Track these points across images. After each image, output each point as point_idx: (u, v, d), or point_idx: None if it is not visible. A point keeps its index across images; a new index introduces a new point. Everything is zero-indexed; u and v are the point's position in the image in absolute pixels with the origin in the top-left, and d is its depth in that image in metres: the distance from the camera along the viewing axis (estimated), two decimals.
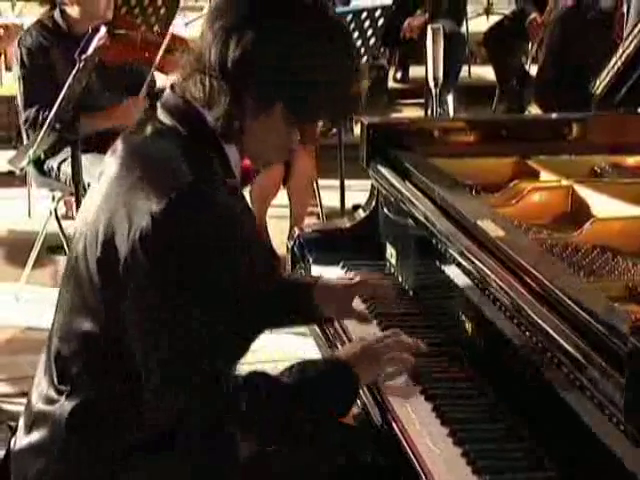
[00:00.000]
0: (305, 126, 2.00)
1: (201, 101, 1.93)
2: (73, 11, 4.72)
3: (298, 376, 1.98)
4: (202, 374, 1.87)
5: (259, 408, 1.92)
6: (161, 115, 1.98)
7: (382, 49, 7.51)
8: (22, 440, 2.04)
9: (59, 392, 1.99)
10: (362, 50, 4.72)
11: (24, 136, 4.76)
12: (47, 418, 2.00)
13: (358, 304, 2.57)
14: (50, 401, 2.00)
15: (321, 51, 1.93)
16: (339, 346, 2.41)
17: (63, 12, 4.75)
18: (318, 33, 1.95)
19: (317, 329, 2.60)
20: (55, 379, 2.01)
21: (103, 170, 2.03)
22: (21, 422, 2.07)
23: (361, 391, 2.18)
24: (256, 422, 1.95)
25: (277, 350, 3.67)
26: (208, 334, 1.86)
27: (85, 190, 4.25)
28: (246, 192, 5.30)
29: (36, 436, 2.01)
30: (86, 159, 4.28)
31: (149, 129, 1.98)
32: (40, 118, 4.46)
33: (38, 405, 2.03)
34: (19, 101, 4.75)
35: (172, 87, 1.99)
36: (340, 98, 1.99)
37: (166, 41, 4.51)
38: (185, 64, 1.97)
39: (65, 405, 1.97)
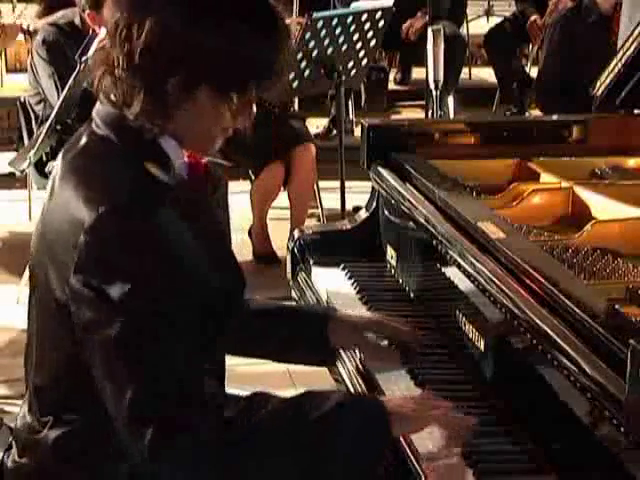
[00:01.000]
0: (233, 101, 1.86)
1: (119, 101, 1.84)
2: (96, 28, 4.72)
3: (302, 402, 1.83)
4: (171, 390, 1.75)
5: (243, 438, 1.77)
6: (94, 125, 1.90)
7: (382, 51, 7.51)
8: (15, 463, 2.00)
9: (42, 424, 1.94)
10: (363, 52, 4.73)
11: (25, 138, 4.76)
12: (35, 447, 1.95)
13: (359, 306, 2.57)
14: (35, 432, 1.95)
15: (226, 22, 1.80)
16: (342, 354, 2.36)
17: (83, 20, 4.73)
18: (226, 5, 1.82)
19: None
20: (36, 410, 1.95)
21: (48, 187, 1.96)
22: (14, 442, 2.02)
23: (361, 391, 2.18)
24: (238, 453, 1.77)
25: None
26: (166, 346, 1.76)
27: None
28: (246, 194, 5.31)
29: (28, 462, 1.97)
30: None
31: (82, 142, 1.90)
32: None
33: (24, 434, 1.98)
34: (52, 95, 4.66)
35: (97, 92, 1.89)
36: (257, 64, 1.84)
37: None
38: (95, 66, 1.87)
39: (48, 435, 1.91)
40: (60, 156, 1.97)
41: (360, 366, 2.30)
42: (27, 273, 4.67)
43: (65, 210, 1.83)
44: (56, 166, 1.96)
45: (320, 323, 2.22)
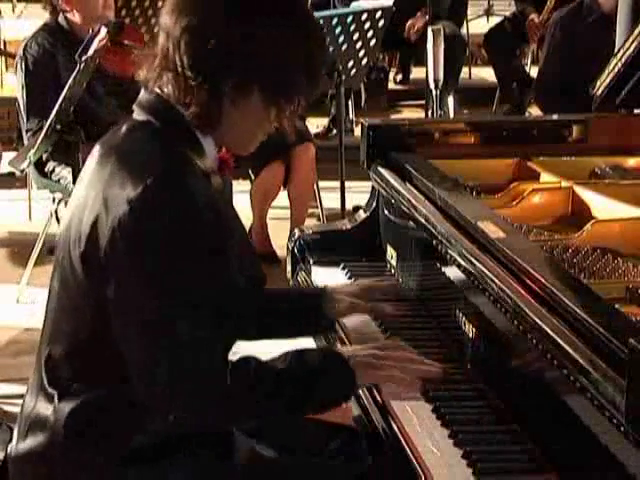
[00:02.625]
0: (281, 103, 1.98)
1: (176, 99, 1.95)
2: (74, 16, 4.74)
3: (294, 362, 1.97)
4: (205, 361, 1.87)
5: (251, 391, 1.92)
6: (135, 113, 2.00)
7: (382, 51, 7.51)
8: (19, 446, 2.02)
9: (49, 398, 1.98)
10: (363, 52, 4.73)
11: (25, 138, 4.76)
12: (43, 424, 1.98)
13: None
14: (44, 406, 1.98)
15: (287, 30, 1.94)
16: (339, 346, 2.41)
17: (66, 17, 4.77)
18: (281, 16, 1.96)
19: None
20: (45, 383, 1.99)
21: (83, 174, 2.04)
22: (16, 429, 2.05)
23: (361, 392, 2.18)
24: (247, 404, 1.94)
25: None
26: (200, 316, 1.86)
27: None
28: (246, 194, 5.31)
29: (33, 442, 1.99)
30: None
31: (124, 128, 2.00)
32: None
33: (32, 412, 2.01)
34: (22, 110, 4.75)
35: (145, 86, 2.00)
36: (306, 68, 1.98)
37: None
38: (151, 63, 1.98)
39: (62, 408, 1.96)
40: (97, 145, 2.05)
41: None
42: (27, 273, 4.69)
43: (106, 185, 1.90)
44: (92, 155, 2.04)
45: (316, 297, 2.35)
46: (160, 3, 5.62)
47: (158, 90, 1.97)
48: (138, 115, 1.99)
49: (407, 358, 2.08)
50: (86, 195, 1.96)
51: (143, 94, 2.00)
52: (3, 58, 7.55)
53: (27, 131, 4.67)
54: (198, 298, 1.87)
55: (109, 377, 1.94)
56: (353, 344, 2.32)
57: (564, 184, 2.71)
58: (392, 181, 2.77)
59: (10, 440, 2.07)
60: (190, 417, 1.94)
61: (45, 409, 1.98)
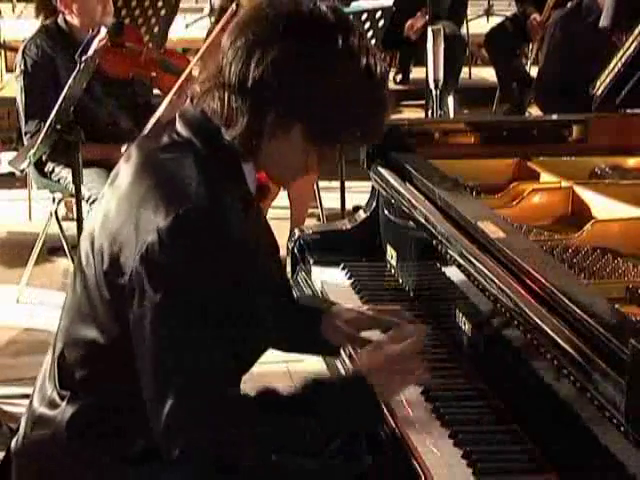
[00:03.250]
0: (324, 148, 1.95)
1: (219, 117, 1.91)
2: (73, 19, 4.74)
3: (313, 396, 1.91)
4: (213, 396, 1.82)
5: (272, 428, 1.87)
6: (179, 126, 1.95)
7: (382, 51, 7.51)
8: (23, 440, 2.04)
9: (61, 397, 1.99)
10: None
11: (24, 139, 4.76)
12: (48, 422, 1.99)
13: (359, 305, 2.57)
14: (52, 405, 1.99)
15: (344, 74, 1.88)
16: (342, 353, 2.38)
17: (66, 19, 4.77)
18: (342, 55, 1.88)
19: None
20: (57, 383, 2.00)
21: (117, 174, 2.00)
22: (22, 422, 2.06)
23: None
24: (266, 439, 1.88)
25: None
26: (214, 357, 1.82)
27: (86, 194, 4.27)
28: None
29: (37, 438, 2.01)
30: (87, 173, 4.27)
31: (165, 139, 1.96)
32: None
33: (40, 408, 2.02)
34: (21, 112, 4.75)
35: (192, 99, 1.96)
36: (362, 123, 1.93)
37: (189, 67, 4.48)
38: (205, 78, 1.94)
39: (66, 410, 1.97)
40: (134, 148, 2.01)
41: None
42: (27, 273, 4.69)
43: (139, 204, 1.86)
44: (130, 154, 2.00)
45: (315, 319, 2.28)
46: (160, 3, 5.62)
47: (204, 106, 1.92)
48: (181, 128, 1.94)
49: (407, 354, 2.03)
50: (118, 207, 1.92)
51: (189, 106, 1.96)
52: (3, 58, 7.54)
53: (26, 133, 4.67)
54: (214, 338, 1.82)
55: (119, 382, 1.93)
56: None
57: (564, 184, 2.71)
58: (392, 181, 2.77)
59: (14, 435, 2.08)
60: (200, 455, 1.86)
61: (52, 407, 1.99)
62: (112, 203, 1.94)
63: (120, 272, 1.86)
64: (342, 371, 2.36)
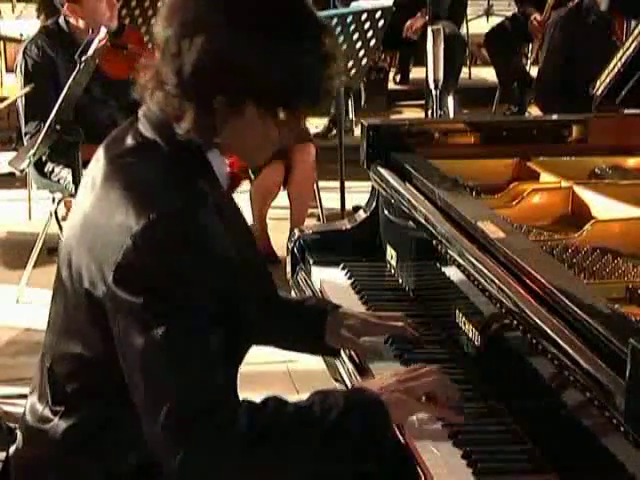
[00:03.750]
0: (281, 117, 1.88)
1: (170, 115, 1.87)
2: (76, 21, 4.74)
3: (319, 408, 1.85)
4: (209, 396, 1.77)
5: (269, 439, 1.80)
6: (142, 127, 1.93)
7: (382, 51, 7.51)
8: (22, 454, 2.02)
9: (54, 412, 1.96)
10: (362, 52, 4.73)
11: (24, 140, 4.77)
12: (42, 436, 1.96)
13: (359, 306, 2.57)
14: (45, 420, 1.97)
15: (279, 40, 1.83)
16: (342, 354, 2.36)
17: (67, 19, 4.76)
18: (272, 23, 1.83)
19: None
20: (50, 399, 1.97)
21: (88, 180, 1.97)
22: (19, 434, 2.04)
23: None
24: (265, 454, 1.81)
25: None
26: (205, 356, 1.78)
27: None
28: (246, 194, 5.31)
29: (34, 453, 1.99)
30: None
31: (129, 141, 1.93)
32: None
33: (34, 423, 1.99)
34: (21, 112, 4.75)
35: (146, 104, 1.93)
36: (310, 86, 1.87)
37: None
38: (147, 78, 1.90)
39: (59, 425, 1.94)
40: (102, 153, 1.98)
41: (359, 365, 2.31)
42: (27, 273, 4.69)
43: (111, 212, 1.84)
44: (96, 161, 1.98)
45: (318, 322, 2.26)
46: (160, 3, 5.62)
47: (159, 109, 1.90)
48: (145, 129, 1.92)
49: (431, 377, 1.99)
50: (91, 218, 1.89)
51: (149, 107, 1.93)
52: (3, 58, 7.55)
53: (26, 134, 4.68)
54: (201, 342, 1.79)
55: (109, 396, 1.90)
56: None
57: (564, 184, 2.71)
58: (392, 181, 2.77)
59: (14, 441, 2.07)
60: (198, 470, 1.78)
61: (46, 422, 1.96)
62: (85, 212, 1.92)
63: (98, 283, 1.83)
64: (341, 370, 2.36)
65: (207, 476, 1.79)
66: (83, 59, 4.03)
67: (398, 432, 2.01)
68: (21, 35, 4.91)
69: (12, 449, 2.06)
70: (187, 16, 1.84)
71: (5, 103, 4.63)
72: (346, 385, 2.32)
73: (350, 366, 2.33)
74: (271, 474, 1.84)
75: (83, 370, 1.94)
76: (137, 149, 1.92)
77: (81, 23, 4.72)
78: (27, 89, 4.55)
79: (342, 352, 2.36)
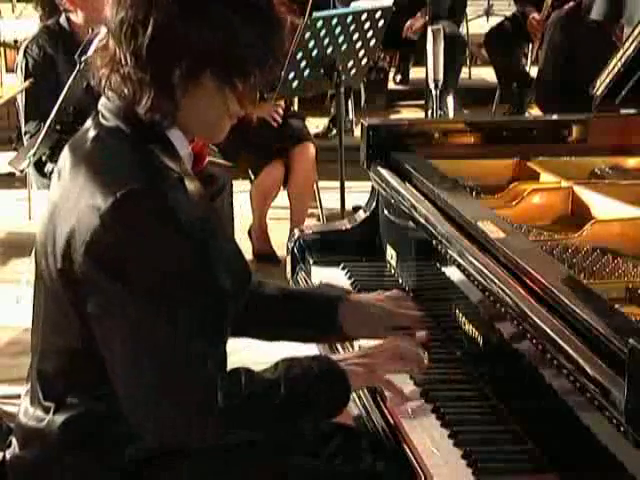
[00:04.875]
0: (238, 86, 1.91)
1: (129, 97, 1.89)
2: (77, 17, 4.73)
3: (283, 372, 1.92)
4: (193, 379, 1.81)
5: (242, 405, 1.87)
6: (102, 118, 1.94)
7: (382, 51, 7.51)
8: (17, 455, 2.01)
9: (45, 409, 1.96)
10: (362, 52, 4.73)
11: (24, 140, 4.77)
12: (38, 436, 1.96)
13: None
14: (39, 419, 1.97)
15: (227, 9, 1.87)
16: (340, 349, 2.40)
17: (68, 18, 4.76)
18: None
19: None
20: (40, 397, 1.97)
21: (54, 176, 2.00)
22: (14, 437, 2.04)
23: (361, 393, 2.18)
24: (239, 418, 1.88)
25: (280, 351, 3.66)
26: (187, 334, 1.80)
27: None
28: (246, 194, 5.31)
29: (30, 454, 1.98)
30: None
31: (91, 133, 1.95)
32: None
33: (28, 424, 1.99)
34: (21, 112, 4.75)
35: (103, 91, 1.94)
36: (262, 54, 1.91)
37: None
38: (102, 63, 1.92)
39: (55, 421, 1.94)
40: (67, 149, 2.00)
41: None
42: (27, 273, 4.69)
43: (78, 197, 1.86)
44: (62, 158, 1.99)
45: (331, 309, 2.27)
46: None
47: (117, 94, 1.91)
48: (104, 120, 1.93)
49: (396, 353, 2.07)
50: (60, 206, 1.91)
51: (103, 98, 1.95)
52: (3, 58, 7.55)
53: (25, 133, 4.68)
54: (181, 314, 1.80)
55: (101, 390, 1.90)
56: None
57: (564, 184, 2.71)
58: (392, 181, 2.77)
59: (9, 444, 2.06)
60: (177, 439, 1.87)
61: (40, 421, 1.96)
62: (54, 203, 1.94)
63: (72, 266, 1.84)
64: None
65: (185, 443, 1.88)
66: (83, 59, 4.03)
67: (398, 432, 2.02)
68: (15, 42, 4.90)
69: (8, 452, 2.05)
70: None
71: (3, 100, 4.62)
72: None
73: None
74: (238, 433, 1.91)
75: (71, 363, 1.95)
76: (99, 138, 1.94)
77: (80, 17, 4.71)
78: (26, 84, 4.55)
79: (339, 348, 2.37)
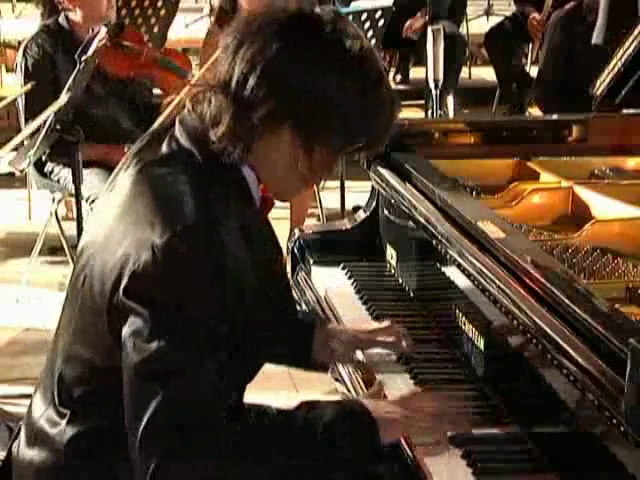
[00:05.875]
0: (315, 151, 1.87)
1: (207, 118, 1.87)
2: (76, 16, 4.73)
3: (307, 416, 1.83)
4: (194, 421, 1.74)
5: (250, 434, 1.79)
6: (178, 134, 1.91)
7: (382, 51, 7.51)
8: (24, 452, 2.00)
9: (60, 414, 1.94)
10: None
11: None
12: (48, 440, 1.95)
13: (359, 305, 2.58)
14: (51, 423, 1.95)
15: (333, 70, 1.84)
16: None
17: (67, 17, 4.77)
18: (332, 52, 1.85)
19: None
20: (57, 400, 1.96)
21: (114, 185, 1.96)
22: (23, 431, 2.03)
23: (362, 394, 2.18)
24: (244, 447, 1.78)
25: None
26: (199, 375, 1.75)
27: (85, 195, 4.27)
28: None
29: (37, 454, 1.97)
30: (87, 173, 4.27)
31: (164, 149, 1.91)
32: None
33: (39, 422, 1.98)
34: (21, 111, 4.75)
35: (192, 106, 1.92)
36: (356, 125, 1.87)
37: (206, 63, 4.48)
38: (199, 82, 1.92)
39: (66, 431, 1.92)
40: (134, 155, 1.95)
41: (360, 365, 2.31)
42: (27, 273, 4.69)
43: (136, 224, 1.82)
44: (128, 163, 1.95)
45: (306, 336, 2.24)
46: (159, 3, 5.63)
47: (196, 110, 1.88)
48: (180, 137, 1.90)
49: (434, 412, 1.96)
50: (116, 224, 1.87)
51: (187, 113, 1.91)
52: (3, 58, 7.55)
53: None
54: (203, 358, 1.76)
55: (115, 404, 1.85)
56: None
57: (564, 184, 2.71)
58: (392, 181, 2.77)
59: (14, 439, 2.06)
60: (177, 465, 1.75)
61: (53, 425, 1.95)
62: (109, 218, 1.90)
63: (115, 291, 1.81)
64: (342, 370, 2.36)
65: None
66: (83, 59, 4.03)
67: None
68: (19, 43, 4.91)
69: (14, 445, 2.04)
70: (252, 29, 1.86)
71: (4, 102, 4.63)
72: (346, 385, 2.32)
73: (350, 366, 2.33)
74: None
75: (90, 376, 1.93)
76: (171, 158, 1.90)
77: (79, 15, 4.71)
78: (27, 87, 4.55)
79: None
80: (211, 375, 1.77)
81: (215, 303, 1.78)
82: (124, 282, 1.79)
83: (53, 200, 4.80)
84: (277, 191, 1.99)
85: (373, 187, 2.99)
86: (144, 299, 1.77)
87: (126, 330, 1.78)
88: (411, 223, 2.60)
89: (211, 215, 1.81)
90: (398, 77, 8.30)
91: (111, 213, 1.90)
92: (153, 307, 1.76)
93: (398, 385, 2.19)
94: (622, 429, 1.62)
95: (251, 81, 1.82)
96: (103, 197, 2.00)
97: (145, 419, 1.73)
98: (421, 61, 7.29)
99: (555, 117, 3.55)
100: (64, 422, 1.93)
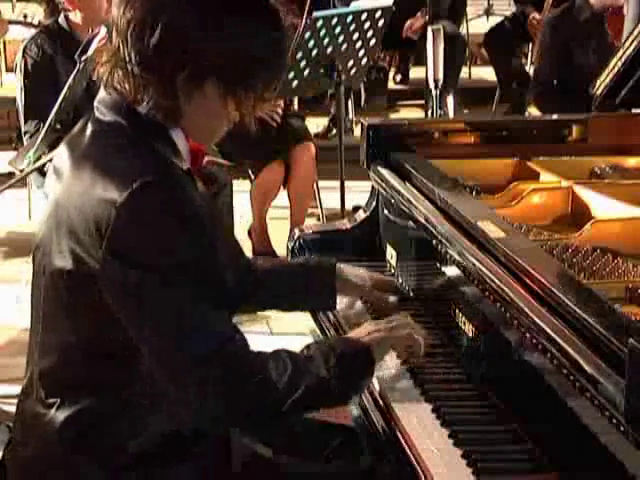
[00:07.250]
0: (239, 95, 1.93)
1: (130, 95, 1.90)
2: (76, 17, 4.74)
3: (320, 349, 1.97)
4: (227, 354, 1.85)
5: (288, 369, 1.90)
6: (99, 113, 1.94)
7: (382, 51, 7.51)
8: (18, 452, 2.02)
9: (48, 406, 1.96)
10: (362, 51, 4.73)
11: (23, 139, 4.77)
12: (39, 432, 1.97)
13: (359, 305, 2.58)
14: (38, 417, 1.97)
15: (240, 20, 1.89)
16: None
17: (67, 18, 4.77)
18: (225, 6, 1.90)
19: (317, 329, 2.60)
20: (42, 395, 1.98)
21: (52, 176, 2.00)
22: (14, 432, 2.05)
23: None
24: (276, 389, 1.89)
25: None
26: (210, 315, 1.85)
27: None
28: (246, 194, 5.31)
29: (31, 451, 1.99)
30: None
31: (90, 129, 1.95)
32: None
33: (27, 421, 2.01)
34: (20, 111, 4.75)
35: (105, 86, 1.95)
36: (268, 66, 1.94)
37: None
38: (105, 59, 1.92)
39: (56, 417, 1.94)
40: (63, 147, 2.00)
41: None
42: (27, 273, 4.68)
43: (87, 193, 1.86)
44: (59, 156, 1.99)
45: (330, 277, 2.46)
46: None
47: (117, 90, 1.92)
48: (103, 115, 1.94)
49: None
50: (63, 205, 1.91)
51: (103, 93, 1.95)
52: (3, 58, 7.55)
53: (25, 133, 4.67)
54: (199, 293, 1.84)
55: (102, 384, 1.92)
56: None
57: (564, 184, 2.71)
58: (392, 181, 2.77)
59: (9, 442, 2.06)
60: (219, 407, 1.87)
61: (42, 417, 1.97)
62: (56, 205, 1.94)
63: (87, 260, 1.85)
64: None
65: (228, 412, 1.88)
66: (83, 59, 4.03)
67: (398, 432, 2.02)
68: (24, 40, 4.92)
69: (9, 452, 2.05)
70: None
71: None
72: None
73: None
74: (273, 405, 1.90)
75: (72, 359, 1.95)
76: (98, 133, 1.94)
77: (79, 17, 4.72)
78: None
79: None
80: (218, 309, 1.87)
81: (188, 245, 1.84)
82: (98, 248, 1.83)
83: None
84: (208, 140, 2.06)
85: (373, 187, 2.99)
86: (125, 258, 1.82)
87: (115, 291, 1.84)
88: (411, 223, 2.60)
89: (160, 168, 1.88)
90: (398, 77, 8.30)
91: (57, 196, 1.95)
92: (136, 263, 1.82)
93: (398, 385, 2.18)
94: (622, 429, 1.62)
95: (166, 50, 1.85)
96: (47, 191, 2.03)
97: (181, 358, 1.83)
98: (421, 61, 7.29)
99: (555, 117, 3.55)
100: (53, 410, 1.95)
